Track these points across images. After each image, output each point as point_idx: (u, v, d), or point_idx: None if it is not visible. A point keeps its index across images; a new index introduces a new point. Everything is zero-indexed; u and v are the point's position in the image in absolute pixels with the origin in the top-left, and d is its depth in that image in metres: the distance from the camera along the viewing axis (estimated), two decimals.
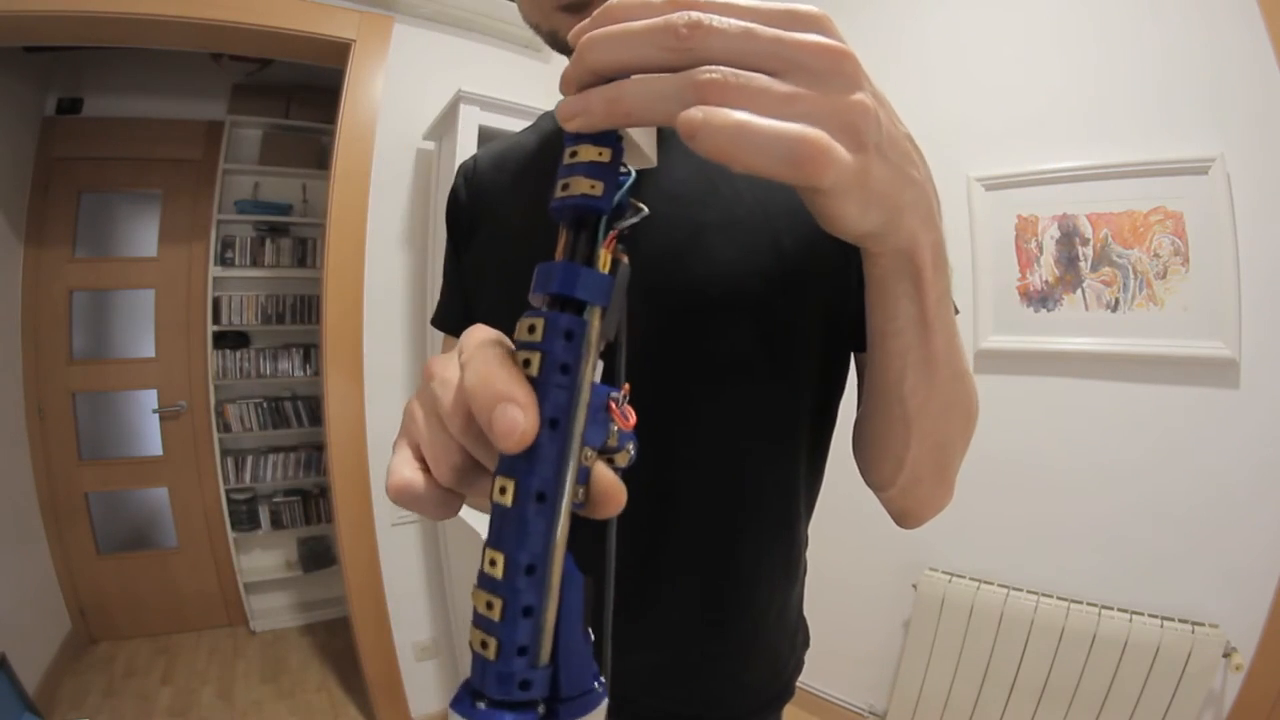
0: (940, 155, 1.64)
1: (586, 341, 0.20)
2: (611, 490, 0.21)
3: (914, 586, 1.63)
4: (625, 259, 0.22)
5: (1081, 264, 1.43)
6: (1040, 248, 1.48)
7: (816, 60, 0.23)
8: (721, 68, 0.21)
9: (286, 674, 2.28)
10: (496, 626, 0.18)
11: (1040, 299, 1.49)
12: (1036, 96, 1.49)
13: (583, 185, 0.22)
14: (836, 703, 1.88)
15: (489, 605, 0.19)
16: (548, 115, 0.62)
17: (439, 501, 0.23)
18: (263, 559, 2.71)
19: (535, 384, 0.19)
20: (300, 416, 2.68)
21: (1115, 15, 1.38)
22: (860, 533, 1.81)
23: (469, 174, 0.63)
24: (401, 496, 0.23)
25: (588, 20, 0.24)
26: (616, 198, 0.22)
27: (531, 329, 0.20)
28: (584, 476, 0.21)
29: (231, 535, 2.56)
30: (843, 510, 1.84)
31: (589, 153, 0.22)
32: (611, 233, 0.22)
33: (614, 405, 0.22)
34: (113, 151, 2.41)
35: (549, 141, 0.59)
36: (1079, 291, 1.43)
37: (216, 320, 2.53)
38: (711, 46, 0.21)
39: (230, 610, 2.60)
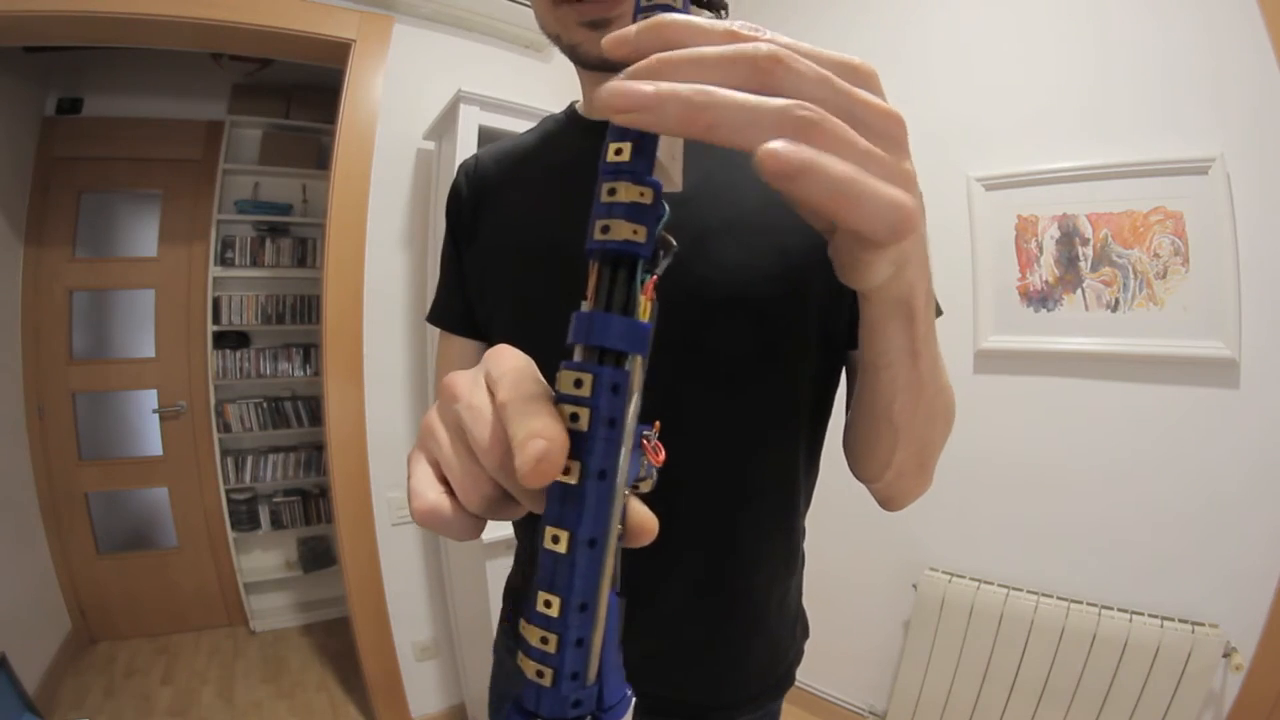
0: (940, 155, 1.64)
1: (630, 392, 0.20)
2: (646, 524, 0.23)
3: (914, 586, 1.63)
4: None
5: (1081, 264, 1.43)
6: (1040, 248, 1.48)
7: (881, 122, 0.23)
8: (817, 109, 0.20)
9: (286, 674, 2.28)
10: (553, 658, 0.20)
11: (1040, 299, 1.49)
12: (1036, 96, 1.49)
13: (625, 230, 0.21)
14: (836, 703, 1.88)
15: (544, 640, 0.20)
16: (550, 118, 0.63)
17: (467, 527, 0.24)
18: (263, 559, 2.71)
19: (584, 438, 0.20)
20: (300, 416, 2.68)
21: (1115, 15, 1.38)
22: (860, 533, 1.81)
23: (470, 171, 0.63)
24: (428, 520, 0.23)
25: (630, 34, 0.22)
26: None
27: (578, 383, 0.20)
28: (621, 514, 0.22)
29: (231, 535, 2.56)
30: (843, 511, 1.84)
31: (630, 192, 0.21)
32: (651, 278, 0.22)
33: (646, 443, 0.23)
34: (113, 151, 2.41)
35: (551, 138, 0.61)
36: (1079, 291, 1.43)
37: (216, 320, 2.53)
38: (788, 87, 0.21)
39: (230, 610, 2.60)
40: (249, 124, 2.59)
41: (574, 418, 0.20)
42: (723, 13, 0.23)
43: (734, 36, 0.21)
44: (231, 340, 2.59)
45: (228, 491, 2.57)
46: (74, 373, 2.38)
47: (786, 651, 0.64)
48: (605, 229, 0.21)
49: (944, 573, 1.60)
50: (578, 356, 0.21)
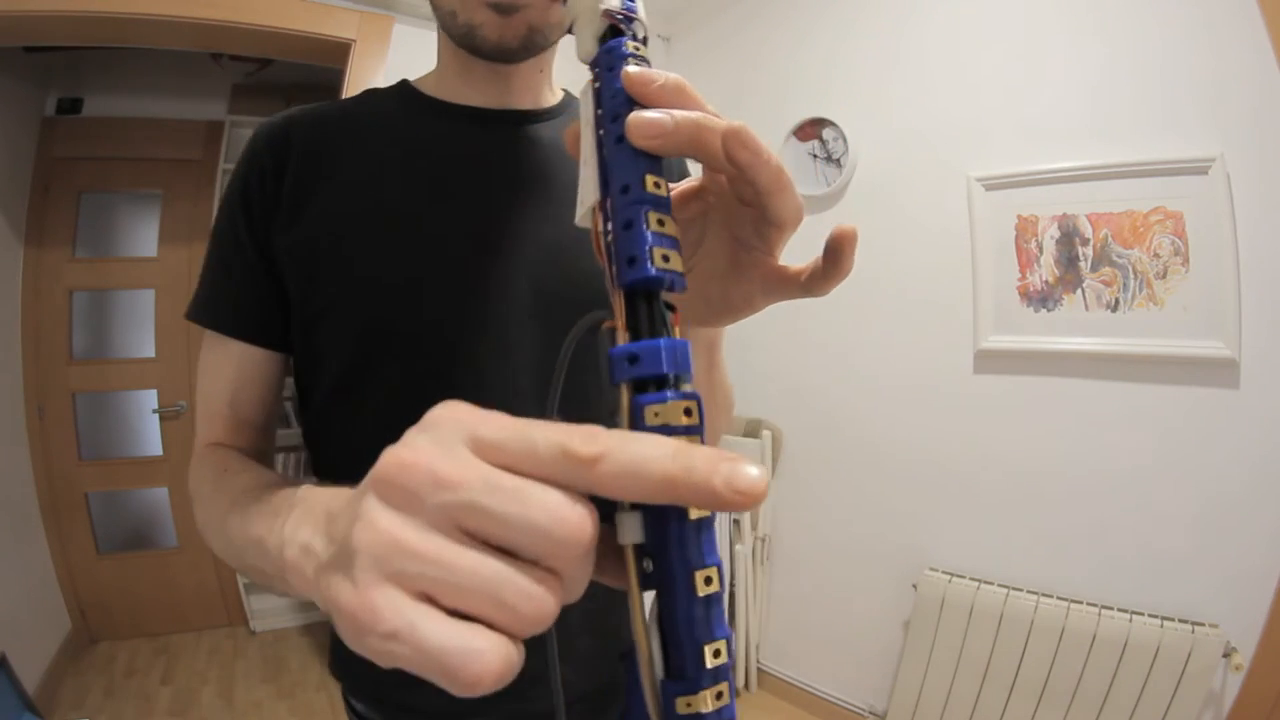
0: (940, 155, 1.64)
1: None
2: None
3: (914, 586, 1.63)
4: None
5: (1081, 264, 1.43)
6: (1040, 248, 1.48)
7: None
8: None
9: (286, 674, 2.28)
10: (730, 708, 0.18)
11: (1040, 299, 1.49)
12: (1036, 96, 1.49)
13: (678, 261, 0.22)
14: (836, 703, 1.88)
15: (719, 696, 0.18)
16: (372, 93, 0.59)
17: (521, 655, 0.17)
18: None
19: None
20: (288, 418, 2.68)
21: (1115, 15, 1.38)
22: (860, 533, 1.82)
23: (276, 141, 0.52)
24: (505, 678, 0.17)
25: (665, 104, 0.23)
26: None
27: (689, 412, 0.19)
28: None
29: None
30: (843, 511, 1.85)
31: (672, 227, 0.22)
32: (674, 312, 0.23)
33: None
34: (113, 151, 2.41)
35: (392, 112, 0.56)
36: (1079, 291, 1.43)
37: None
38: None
39: (230, 610, 2.60)
40: (249, 124, 2.59)
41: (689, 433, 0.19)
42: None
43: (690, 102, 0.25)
44: None
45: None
46: (74, 373, 2.37)
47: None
48: (666, 258, 0.21)
49: (944, 573, 1.60)
50: (635, 392, 0.19)
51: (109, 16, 1.52)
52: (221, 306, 0.53)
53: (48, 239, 2.32)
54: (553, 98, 0.61)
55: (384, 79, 1.76)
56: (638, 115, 0.22)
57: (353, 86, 1.74)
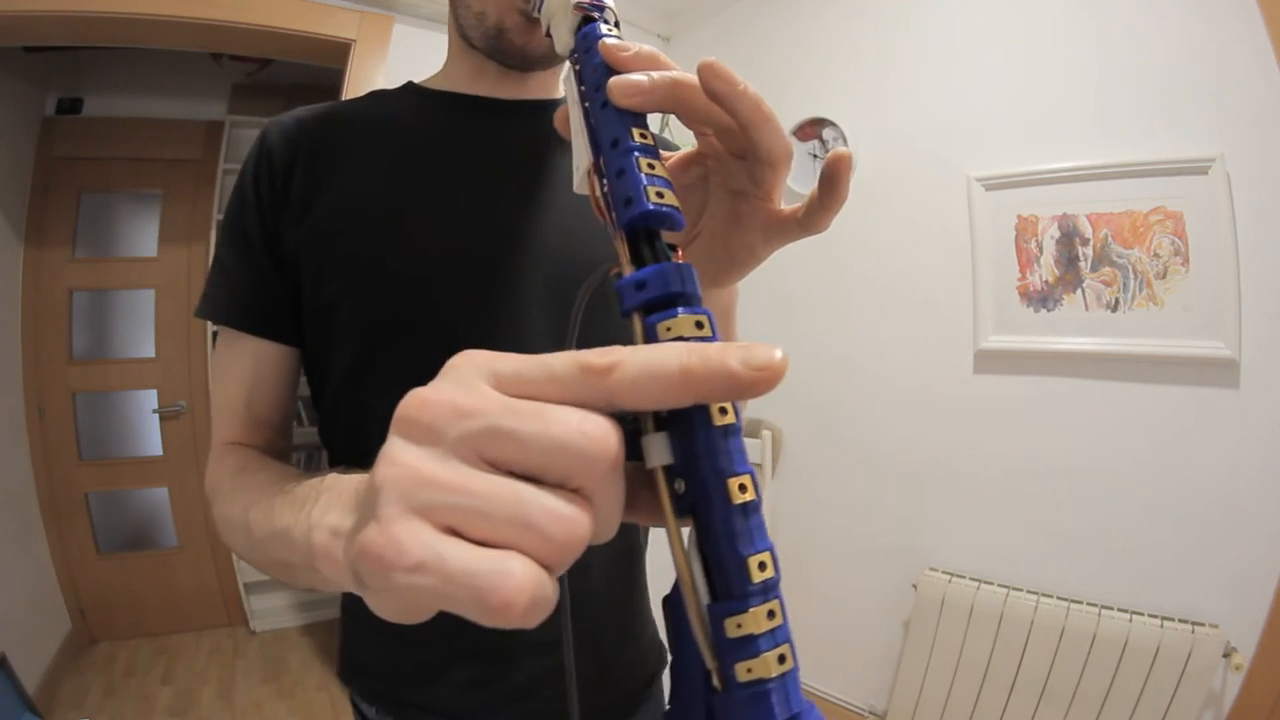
0: (940, 155, 1.64)
1: None
2: None
3: (914, 586, 1.63)
4: None
5: (1081, 264, 1.43)
6: (1040, 248, 1.48)
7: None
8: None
9: (286, 674, 2.28)
10: (785, 629, 0.17)
11: (1040, 299, 1.49)
12: (1036, 96, 1.49)
13: (672, 198, 0.23)
14: (836, 703, 1.88)
15: (771, 615, 0.17)
16: (378, 93, 0.60)
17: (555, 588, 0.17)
18: None
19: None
20: (300, 416, 2.68)
21: (1115, 15, 1.38)
22: (860, 533, 1.82)
23: (289, 133, 0.53)
24: (541, 609, 0.16)
25: (642, 78, 0.24)
26: None
27: (700, 325, 0.19)
28: None
29: None
30: (843, 511, 1.85)
31: (661, 169, 0.23)
32: (676, 250, 0.23)
33: None
34: (113, 151, 2.41)
35: (400, 110, 0.56)
36: (1079, 291, 1.43)
37: None
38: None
39: (230, 610, 2.60)
40: (249, 124, 2.59)
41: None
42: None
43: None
44: None
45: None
46: (74, 373, 2.38)
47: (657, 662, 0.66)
48: (660, 194, 0.22)
49: (944, 573, 1.60)
50: (639, 321, 0.20)
51: (109, 16, 1.51)
52: (232, 302, 0.53)
53: (48, 239, 2.32)
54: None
55: (384, 79, 1.76)
56: (618, 78, 0.24)
57: (353, 86, 1.74)
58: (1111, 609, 1.36)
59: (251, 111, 2.57)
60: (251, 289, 0.52)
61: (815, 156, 1.88)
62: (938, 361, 1.66)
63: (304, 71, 2.12)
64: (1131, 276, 1.36)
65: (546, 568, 0.16)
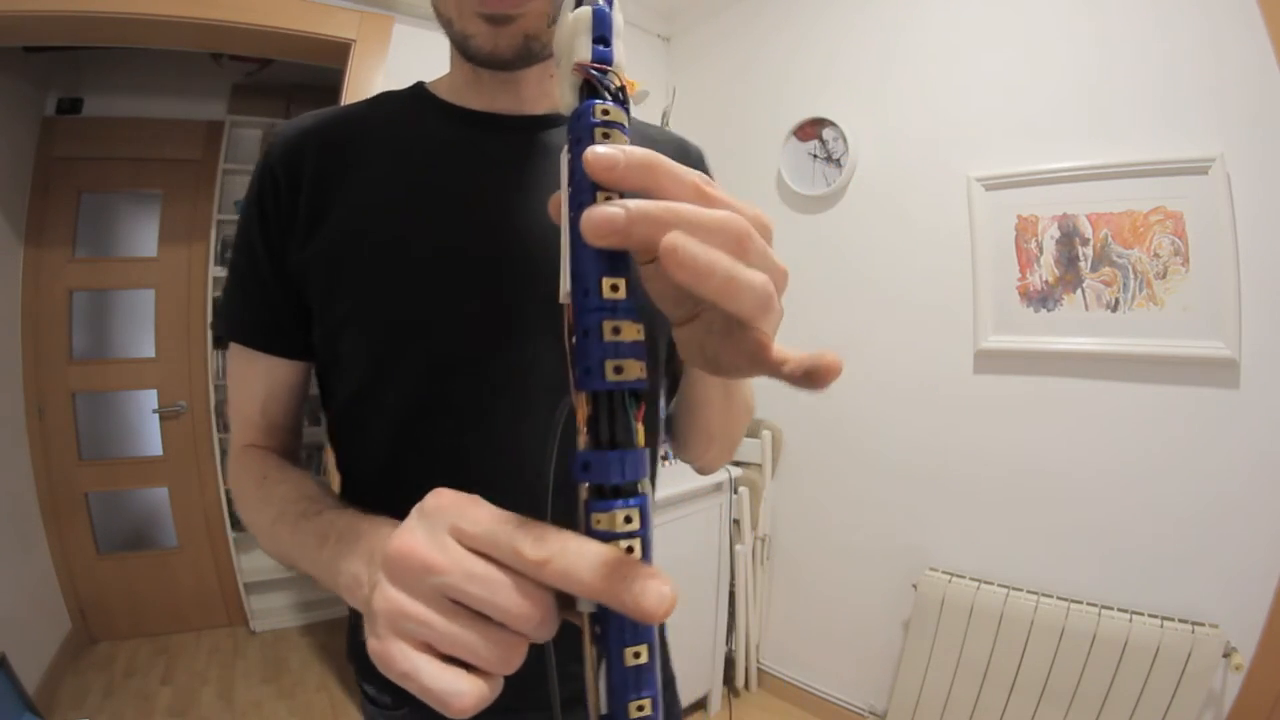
0: (940, 155, 1.64)
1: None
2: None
3: (914, 586, 1.63)
4: None
5: (1081, 264, 1.43)
6: (1040, 248, 1.48)
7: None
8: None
9: (286, 674, 2.28)
10: None
11: (1040, 299, 1.49)
12: (1036, 96, 1.49)
13: (635, 369, 0.22)
14: (836, 703, 1.88)
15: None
16: (389, 96, 0.58)
17: (498, 689, 0.25)
18: (263, 559, 2.70)
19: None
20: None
21: (1115, 15, 1.38)
22: (860, 533, 1.82)
23: (291, 148, 0.53)
24: (481, 707, 0.24)
25: (619, 162, 0.22)
26: None
27: (629, 519, 0.22)
28: None
29: (231, 535, 2.56)
30: (843, 511, 1.85)
31: (631, 331, 0.22)
32: (640, 406, 0.23)
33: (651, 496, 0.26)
34: (113, 151, 2.41)
35: (406, 121, 0.55)
36: (1079, 291, 1.43)
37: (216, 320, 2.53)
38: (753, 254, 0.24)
39: (230, 610, 2.60)
40: (249, 124, 2.59)
41: (630, 550, 0.22)
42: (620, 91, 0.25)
43: (701, 195, 0.23)
44: None
45: (228, 491, 2.56)
46: (74, 373, 2.37)
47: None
48: (619, 369, 0.22)
49: (944, 573, 1.60)
50: (589, 494, 0.22)
51: (109, 16, 1.52)
52: (245, 322, 0.55)
53: (48, 239, 2.32)
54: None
55: (384, 79, 1.76)
56: (590, 213, 0.21)
57: (352, 86, 1.74)
58: (1111, 609, 1.36)
59: (251, 111, 2.57)
60: (260, 306, 0.54)
61: (815, 157, 1.88)
62: (938, 361, 1.66)
63: (304, 71, 2.12)
64: (1131, 276, 1.36)
65: (492, 672, 0.24)
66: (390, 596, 0.25)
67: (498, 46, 0.48)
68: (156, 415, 2.49)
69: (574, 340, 0.23)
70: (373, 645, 0.25)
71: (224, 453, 2.56)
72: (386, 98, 0.58)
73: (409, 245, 0.50)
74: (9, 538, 2.06)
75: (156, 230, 2.50)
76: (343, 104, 0.72)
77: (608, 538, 0.22)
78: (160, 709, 2.02)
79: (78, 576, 2.35)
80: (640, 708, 0.21)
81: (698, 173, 0.24)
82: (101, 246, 2.45)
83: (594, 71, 0.25)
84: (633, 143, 0.23)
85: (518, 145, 0.55)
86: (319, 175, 0.52)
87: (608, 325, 0.22)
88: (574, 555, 0.21)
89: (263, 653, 2.43)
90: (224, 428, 2.55)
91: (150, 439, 2.51)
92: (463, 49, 0.50)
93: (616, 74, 0.25)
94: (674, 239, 0.20)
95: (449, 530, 0.24)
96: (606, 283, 0.22)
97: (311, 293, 0.52)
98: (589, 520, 0.22)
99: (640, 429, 0.23)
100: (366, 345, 0.50)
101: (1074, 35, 1.43)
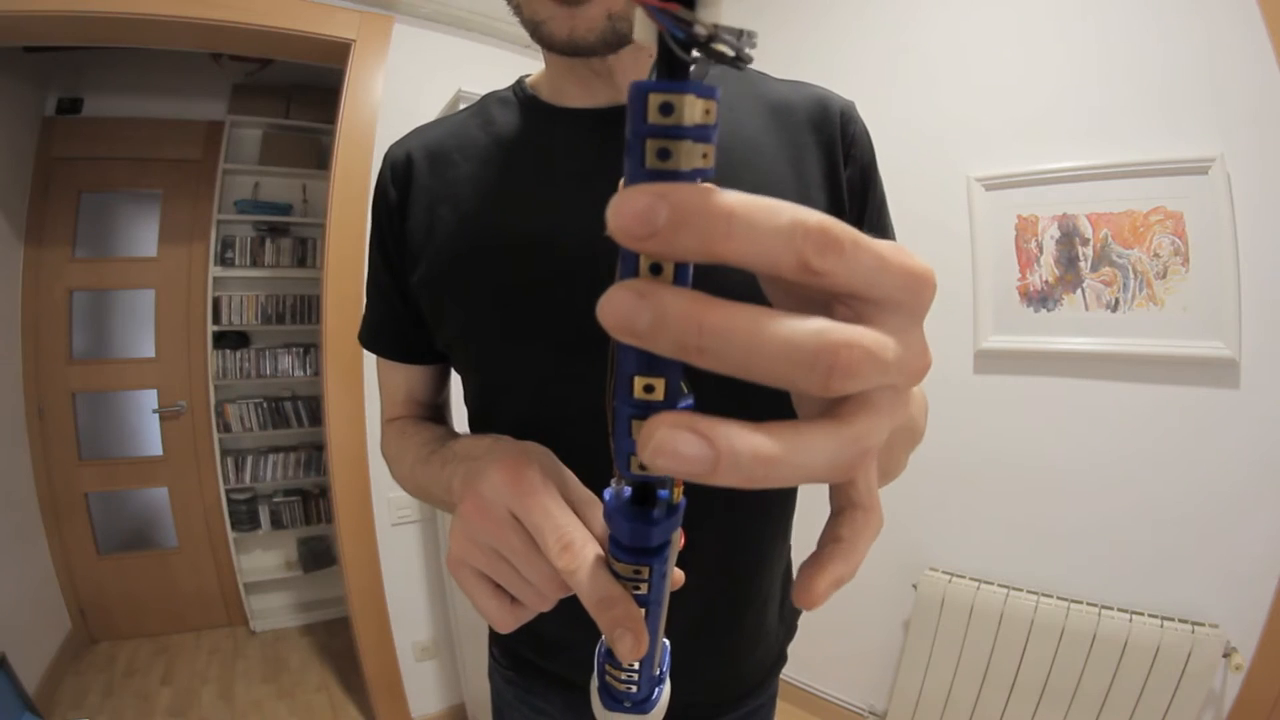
0: (940, 155, 1.64)
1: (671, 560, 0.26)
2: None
3: (914, 586, 1.63)
4: None
5: (1081, 264, 1.43)
6: (1040, 248, 1.48)
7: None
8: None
9: (286, 674, 2.28)
10: (636, 695, 0.30)
11: (1040, 299, 1.49)
12: (1036, 97, 1.49)
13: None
14: (836, 703, 1.88)
15: (626, 682, 0.30)
16: (494, 99, 0.56)
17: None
18: (263, 559, 2.71)
19: (647, 600, 0.25)
20: (300, 416, 2.68)
21: (1115, 15, 1.38)
22: None
23: (400, 168, 0.54)
24: (515, 626, 0.33)
25: (660, 221, 0.14)
26: None
27: (638, 572, 0.25)
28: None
29: (231, 535, 2.56)
30: None
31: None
32: (677, 482, 0.24)
33: (675, 541, 0.27)
34: (113, 151, 2.41)
35: (507, 125, 0.54)
36: (1079, 291, 1.43)
37: (216, 320, 2.53)
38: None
39: (230, 610, 2.60)
40: (249, 124, 2.59)
41: (637, 587, 0.25)
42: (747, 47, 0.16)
43: (803, 265, 0.15)
44: (231, 340, 2.59)
45: (228, 491, 2.57)
46: (74, 373, 2.38)
47: (780, 649, 0.67)
48: (644, 466, 0.17)
49: (944, 573, 1.60)
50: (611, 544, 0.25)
51: (109, 16, 1.52)
52: (379, 335, 0.60)
53: (48, 239, 2.32)
54: None
55: (384, 79, 1.76)
56: (607, 300, 0.15)
57: (353, 86, 1.74)
58: (1111, 609, 1.36)
59: (251, 111, 2.57)
60: (389, 320, 0.59)
61: None
62: (937, 361, 1.63)
63: (304, 71, 2.12)
64: (1131, 276, 1.36)
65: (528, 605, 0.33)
66: (456, 533, 0.33)
67: (575, 30, 0.43)
68: (156, 415, 2.50)
69: (613, 424, 0.20)
70: (448, 560, 0.33)
71: (224, 452, 2.56)
72: (490, 102, 0.56)
73: (505, 268, 0.48)
74: (9, 538, 2.06)
75: (156, 230, 2.50)
76: (444, 115, 0.74)
77: (620, 578, 0.25)
78: (160, 709, 2.02)
79: (78, 576, 2.35)
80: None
81: (802, 217, 0.15)
82: (101, 246, 2.45)
83: (658, 12, 0.15)
84: (734, 133, 0.18)
85: (620, 143, 0.50)
86: (424, 195, 0.52)
87: (635, 424, 0.19)
88: (584, 576, 0.26)
89: (263, 653, 2.43)
90: (224, 427, 2.55)
91: (150, 439, 2.51)
92: (536, 37, 0.45)
93: (699, 21, 0.14)
94: (663, 441, 0.15)
95: (507, 505, 0.31)
96: (639, 382, 0.18)
97: (425, 310, 0.55)
98: (610, 553, 0.26)
99: (678, 491, 0.24)
100: (473, 368, 0.54)
101: (1074, 35, 1.43)
